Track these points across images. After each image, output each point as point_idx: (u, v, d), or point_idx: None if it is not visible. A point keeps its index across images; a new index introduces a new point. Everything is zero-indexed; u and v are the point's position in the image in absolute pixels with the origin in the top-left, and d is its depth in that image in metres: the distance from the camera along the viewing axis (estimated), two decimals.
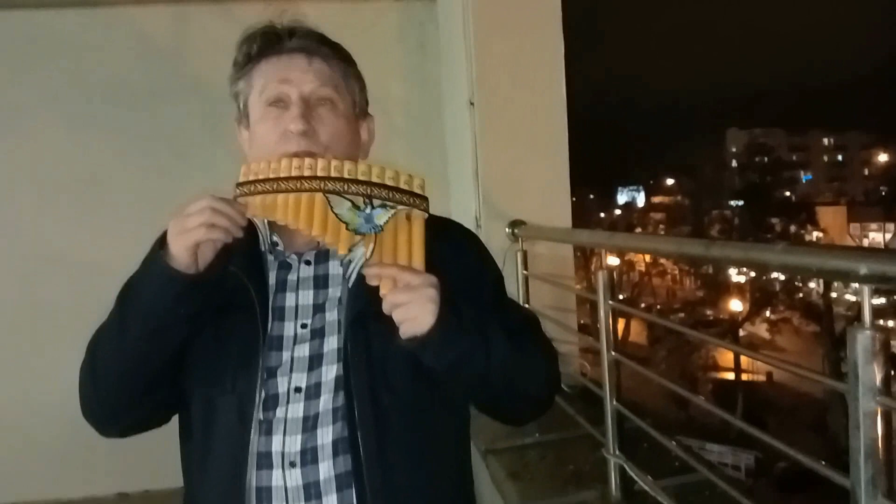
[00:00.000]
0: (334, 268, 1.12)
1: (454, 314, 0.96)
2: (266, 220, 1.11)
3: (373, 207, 0.98)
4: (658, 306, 33.33)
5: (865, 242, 39.02)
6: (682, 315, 29.40)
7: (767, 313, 27.88)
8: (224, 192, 1.03)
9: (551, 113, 3.30)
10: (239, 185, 1.02)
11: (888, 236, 39.17)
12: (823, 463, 1.24)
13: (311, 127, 1.07)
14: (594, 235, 2.31)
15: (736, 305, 28.35)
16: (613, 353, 2.13)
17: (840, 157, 60.44)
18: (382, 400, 1.03)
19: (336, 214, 0.98)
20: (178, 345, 1.03)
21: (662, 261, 30.02)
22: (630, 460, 2.13)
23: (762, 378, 27.37)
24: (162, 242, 1.05)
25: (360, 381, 1.03)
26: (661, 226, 35.51)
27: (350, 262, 1.06)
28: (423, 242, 0.99)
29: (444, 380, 1.04)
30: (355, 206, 0.98)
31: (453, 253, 1.08)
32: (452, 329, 0.96)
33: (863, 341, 1.09)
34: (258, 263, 1.11)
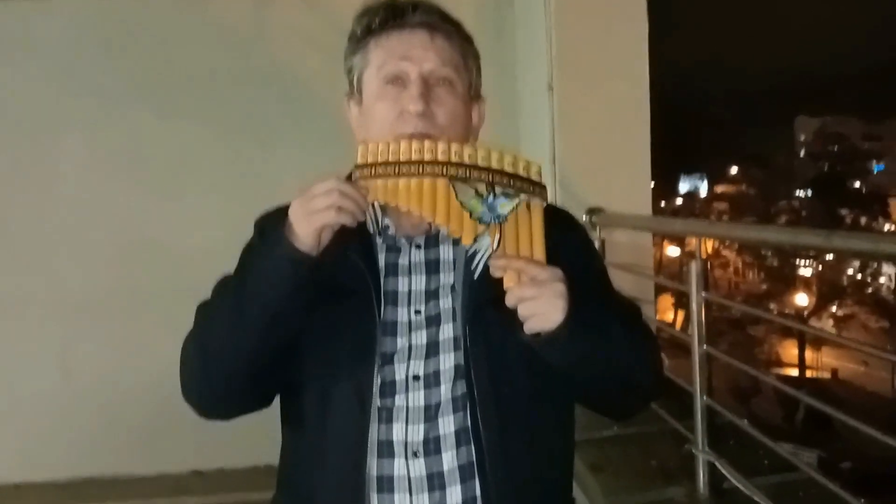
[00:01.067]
0: (445, 253, 1.08)
1: (579, 310, 0.93)
2: (377, 203, 1.06)
3: (495, 196, 0.95)
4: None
5: None
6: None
7: (834, 308, 26.87)
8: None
9: (634, 97, 3.22)
10: (358, 167, 0.98)
11: None
12: None
13: (429, 108, 1.02)
14: (688, 224, 2.23)
15: (801, 299, 27.43)
16: (705, 346, 2.05)
17: None
18: (502, 390, 1.00)
19: (461, 202, 0.95)
20: (295, 329, 1.00)
21: (725, 252, 29.23)
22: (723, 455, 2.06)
23: (827, 375, 26.44)
24: (263, 225, 1.04)
25: (481, 370, 1.00)
26: (725, 216, 34.53)
27: (476, 252, 1.02)
28: (543, 233, 0.96)
29: (563, 374, 1.01)
30: (478, 194, 0.95)
31: (562, 240, 1.04)
32: (578, 326, 0.93)
33: None
34: (369, 246, 1.08)
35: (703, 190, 47.59)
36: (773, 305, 28.86)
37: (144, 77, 3.68)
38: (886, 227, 30.41)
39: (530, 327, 0.92)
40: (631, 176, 3.23)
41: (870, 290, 26.17)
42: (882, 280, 26.50)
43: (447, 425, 1.00)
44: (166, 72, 3.70)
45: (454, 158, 0.96)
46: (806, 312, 27.17)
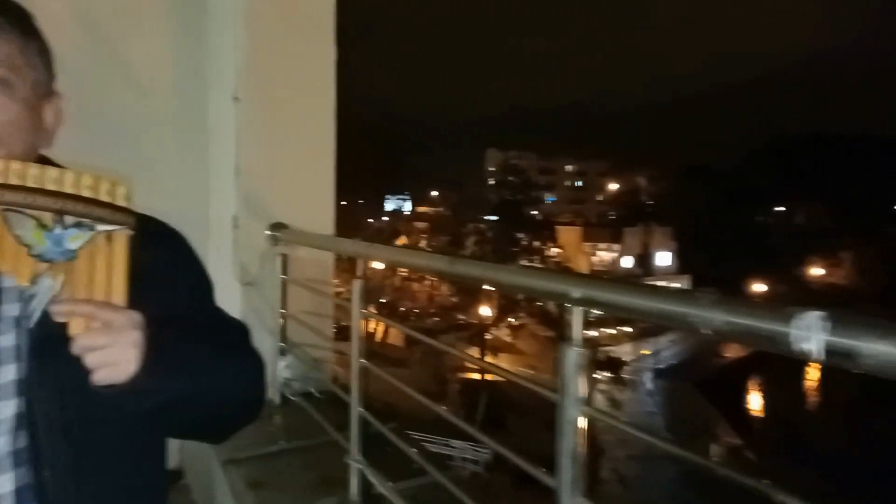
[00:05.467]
0: (8, 279, 0.90)
1: (160, 356, 0.87)
2: None
3: (65, 227, 0.82)
4: (416, 310, 34.85)
5: (595, 260, 44.48)
6: (437, 319, 31.10)
7: (511, 319, 30.45)
8: None
9: (320, 116, 3.29)
10: None
11: (614, 255, 44.98)
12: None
13: None
14: (354, 245, 2.35)
15: (485, 311, 30.58)
16: (363, 360, 2.17)
17: (580, 183, 68.25)
18: (77, 438, 0.90)
19: (16, 236, 0.80)
20: None
21: None
22: (374, 464, 2.18)
23: (504, 379, 29.79)
24: None
25: (49, 418, 0.88)
26: (424, 235, 37.13)
27: (32, 297, 0.88)
28: (126, 269, 0.86)
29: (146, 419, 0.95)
30: (42, 225, 0.81)
31: (154, 263, 0.98)
32: (158, 374, 0.87)
33: (572, 357, 1.23)
34: None
35: (408, 209, 50.71)
36: (461, 316, 31.84)
37: None
38: (554, 250, 35.30)
39: (100, 378, 0.84)
40: (315, 193, 3.29)
41: (539, 303, 30.09)
42: None
43: (5, 484, 0.87)
44: None
45: (13, 179, 0.81)
46: (488, 322, 30.39)
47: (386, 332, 35.64)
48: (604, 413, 1.22)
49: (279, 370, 3.08)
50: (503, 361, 30.30)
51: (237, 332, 1.12)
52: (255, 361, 1.10)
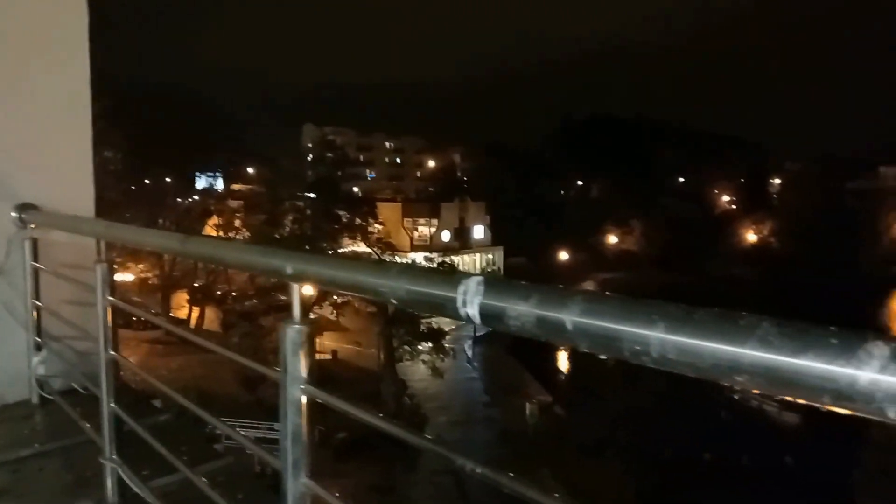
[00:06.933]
0: None
1: None
2: None
3: None
4: (234, 293, 33.45)
5: (416, 234, 45.33)
6: (255, 301, 30.08)
7: (335, 297, 30.10)
8: None
9: (72, 86, 2.98)
10: None
11: (433, 230, 46.10)
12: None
13: None
14: (92, 225, 2.16)
15: (307, 290, 30.05)
16: (112, 352, 2.01)
17: (398, 159, 69.04)
18: None
19: None
20: None
21: None
22: (134, 461, 2.04)
23: (328, 356, 29.57)
24: None
25: None
26: (238, 214, 35.52)
27: None
28: None
29: None
30: None
31: None
32: None
33: (292, 335, 1.21)
34: None
35: (220, 186, 48.32)
36: (283, 296, 30.95)
37: None
38: (376, 226, 35.31)
39: None
40: (70, 172, 2.99)
41: None
42: None
43: None
44: None
45: None
46: (313, 301, 29.83)
47: (202, 317, 33.89)
48: (324, 392, 1.21)
49: (34, 366, 2.79)
50: (328, 339, 30.05)
51: None
52: None
